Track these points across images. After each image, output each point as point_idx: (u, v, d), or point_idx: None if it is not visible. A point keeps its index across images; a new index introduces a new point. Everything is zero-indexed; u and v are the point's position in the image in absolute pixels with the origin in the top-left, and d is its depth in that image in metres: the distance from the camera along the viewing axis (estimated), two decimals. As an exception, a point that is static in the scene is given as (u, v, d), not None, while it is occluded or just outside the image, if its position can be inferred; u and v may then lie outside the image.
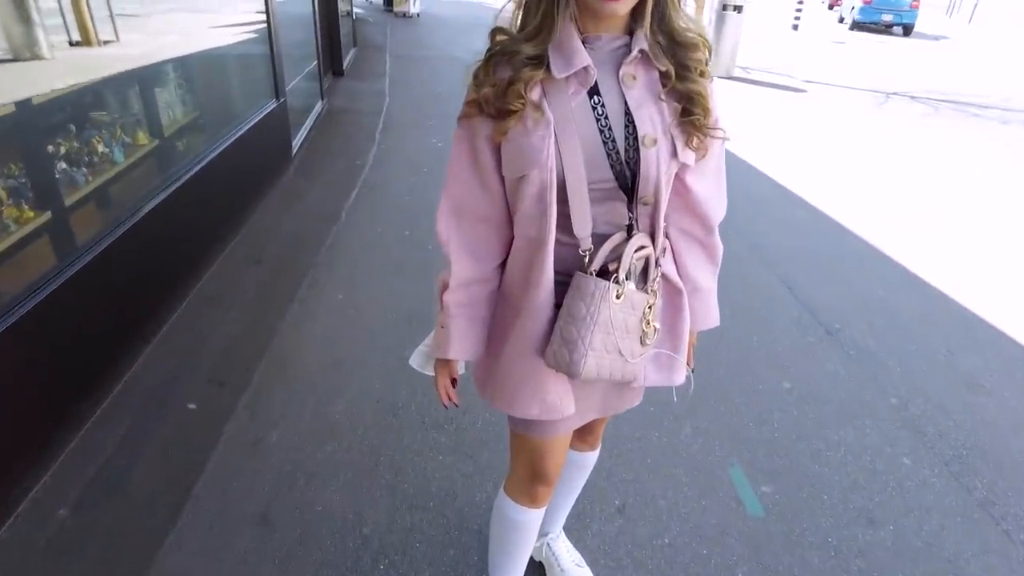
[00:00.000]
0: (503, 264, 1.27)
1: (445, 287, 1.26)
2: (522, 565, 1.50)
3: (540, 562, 1.82)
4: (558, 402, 1.26)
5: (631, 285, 1.18)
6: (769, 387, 2.59)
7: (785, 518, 2.02)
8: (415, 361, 1.40)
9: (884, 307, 3.25)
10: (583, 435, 1.59)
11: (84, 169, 2.46)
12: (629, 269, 1.17)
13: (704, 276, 1.35)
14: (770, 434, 2.35)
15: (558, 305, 1.20)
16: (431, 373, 1.38)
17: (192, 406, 2.40)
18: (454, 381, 1.36)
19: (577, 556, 1.77)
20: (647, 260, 1.21)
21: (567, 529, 1.90)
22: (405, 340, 2.79)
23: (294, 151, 4.93)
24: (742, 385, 2.60)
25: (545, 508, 1.46)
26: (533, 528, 1.46)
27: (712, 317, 1.38)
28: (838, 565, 1.88)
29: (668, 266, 1.28)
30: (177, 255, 2.99)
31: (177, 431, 2.27)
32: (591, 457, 1.64)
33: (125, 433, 2.23)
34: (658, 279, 1.23)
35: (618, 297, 1.15)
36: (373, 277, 3.30)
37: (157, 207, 2.74)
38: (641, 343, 1.23)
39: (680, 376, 1.35)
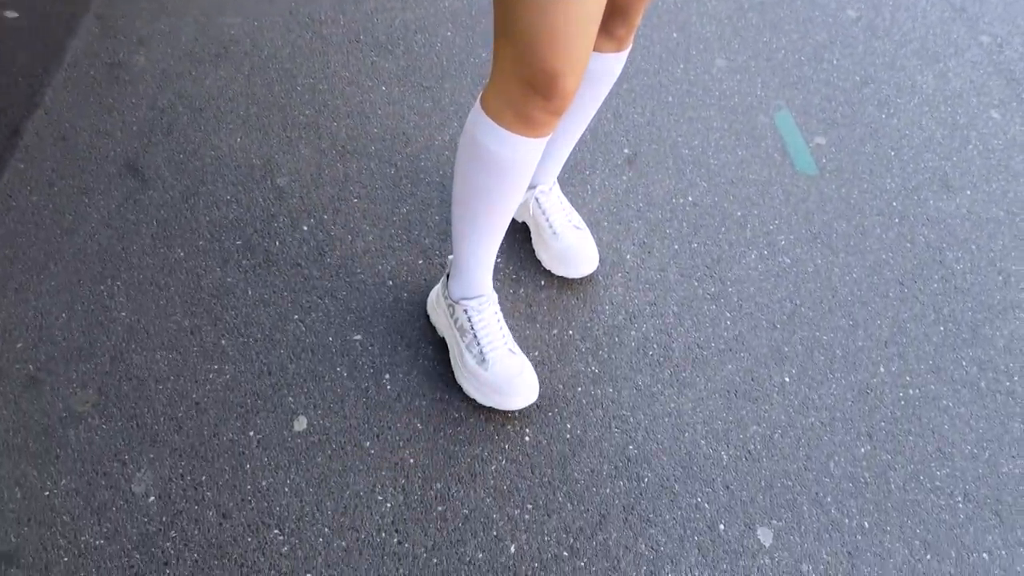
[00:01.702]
0: None
1: None
2: (502, 226, 1.01)
3: (523, 223, 1.34)
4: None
5: None
6: (829, 15, 1.93)
7: (842, 177, 1.55)
8: None
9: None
10: (615, 23, 0.97)
11: None
12: None
13: None
14: (827, 74, 1.76)
15: None
16: None
17: (12, 15, 1.64)
18: None
19: (575, 216, 1.29)
20: None
21: (560, 183, 1.41)
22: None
23: None
24: (793, 10, 1.92)
25: (547, 140, 0.91)
26: (525, 171, 0.92)
27: None
28: (902, 234, 1.46)
29: None
30: None
31: (-7, 45, 1.55)
32: (618, 61, 1.05)
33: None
34: None
35: None
36: None
37: None
38: None
39: None
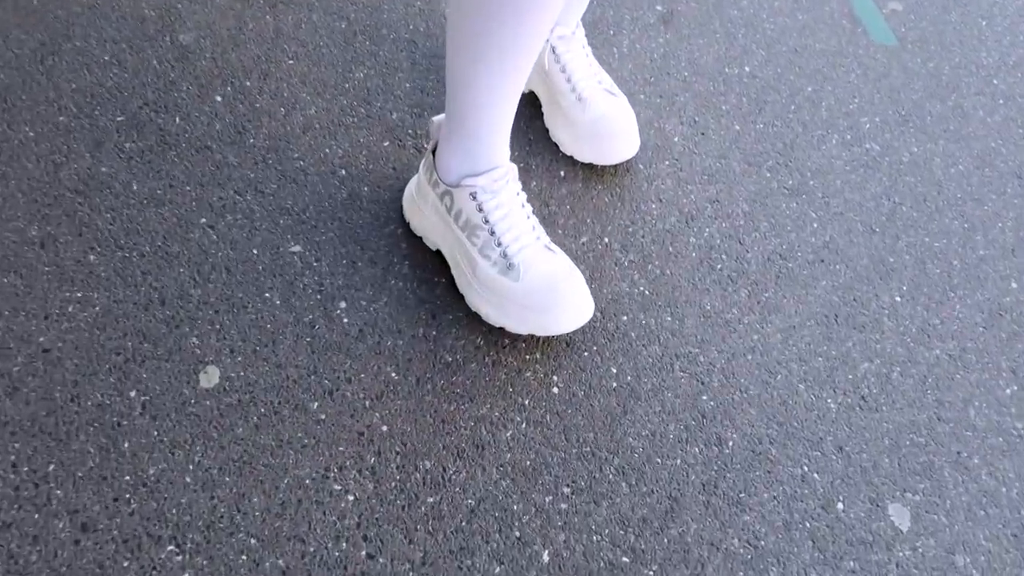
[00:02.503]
0: None
1: None
2: (530, 61, 0.64)
3: (528, 92, 0.97)
4: None
5: None
6: None
7: (928, 50, 1.21)
8: None
9: None
10: None
11: None
12: None
13: None
14: (893, -71, 1.41)
15: None
16: None
17: None
18: None
19: (606, 77, 0.92)
20: None
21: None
22: None
23: None
24: None
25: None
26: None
27: None
28: (1009, 118, 1.14)
29: None
30: None
31: None
32: None
33: None
34: None
35: None
36: None
37: None
38: None
39: None
